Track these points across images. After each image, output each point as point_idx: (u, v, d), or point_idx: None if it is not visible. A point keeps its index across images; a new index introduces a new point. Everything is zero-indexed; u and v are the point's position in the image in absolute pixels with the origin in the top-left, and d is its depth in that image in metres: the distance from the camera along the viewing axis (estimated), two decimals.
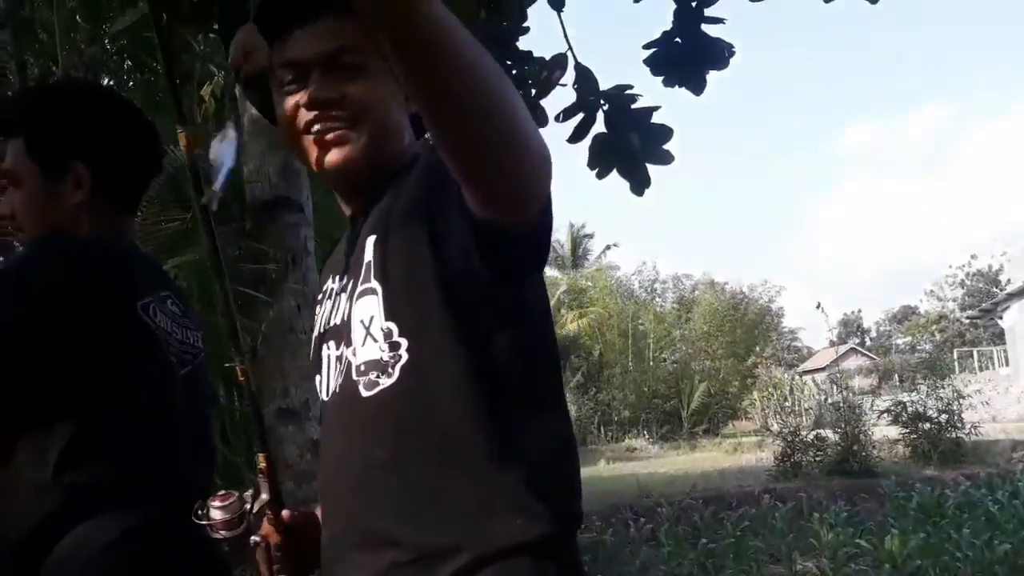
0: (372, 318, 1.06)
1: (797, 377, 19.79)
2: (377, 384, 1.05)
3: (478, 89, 0.80)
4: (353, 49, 1.09)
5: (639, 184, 3.44)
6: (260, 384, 4.11)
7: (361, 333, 1.07)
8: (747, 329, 30.20)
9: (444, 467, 1.02)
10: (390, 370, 1.04)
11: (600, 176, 3.42)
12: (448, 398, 1.02)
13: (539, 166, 0.89)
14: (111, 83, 5.43)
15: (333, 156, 1.10)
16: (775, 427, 14.28)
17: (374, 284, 1.07)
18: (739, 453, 16.65)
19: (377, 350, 1.05)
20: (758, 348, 30.38)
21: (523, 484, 1.01)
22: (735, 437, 20.15)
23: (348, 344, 1.09)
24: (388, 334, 1.05)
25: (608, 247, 32.31)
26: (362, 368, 1.07)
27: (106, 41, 4.80)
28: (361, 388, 1.06)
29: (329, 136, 1.10)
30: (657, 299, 32.27)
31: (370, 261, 1.08)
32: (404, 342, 1.04)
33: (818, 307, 20.64)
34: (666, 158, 3.40)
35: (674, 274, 34.59)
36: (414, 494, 1.02)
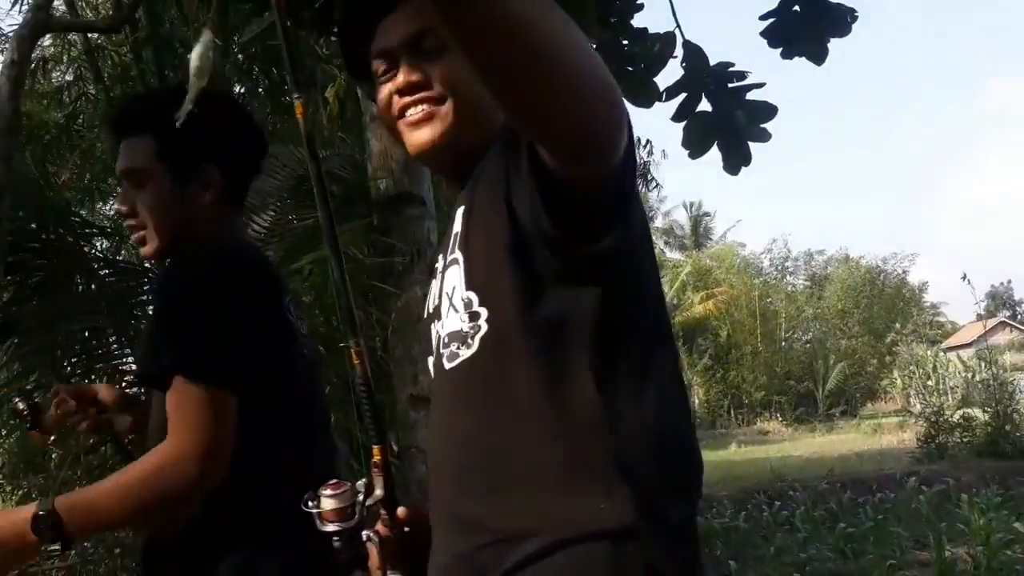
0: (455, 288, 1.05)
1: (941, 354, 18.76)
2: (457, 356, 1.03)
3: (515, 20, 0.74)
4: (431, 31, 1.08)
5: (738, 162, 3.37)
6: (392, 371, 4.28)
7: (447, 305, 1.06)
8: (885, 305, 28.86)
9: (521, 444, 0.98)
10: (469, 341, 1.01)
11: (693, 156, 3.36)
12: (525, 369, 0.97)
13: (601, 105, 0.84)
14: (243, 90, 5.70)
15: (421, 136, 1.09)
16: (917, 407, 13.62)
17: (458, 254, 1.06)
18: (879, 435, 15.97)
19: (458, 321, 1.03)
20: (898, 324, 28.98)
21: (611, 463, 0.94)
22: (874, 418, 19.35)
23: (440, 318, 1.08)
24: (468, 304, 1.02)
25: (733, 225, 31.49)
26: (446, 340, 1.05)
27: (236, 51, 5.05)
28: (445, 361, 1.05)
29: (416, 117, 1.08)
30: (789, 277, 31.28)
31: (458, 232, 1.07)
32: (484, 312, 1.01)
33: (964, 278, 19.41)
34: (764, 135, 3.33)
35: (806, 250, 33.38)
36: (493, 472, 0.99)
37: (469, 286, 1.02)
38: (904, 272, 31.02)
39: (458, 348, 1.03)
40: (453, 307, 1.04)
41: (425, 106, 1.08)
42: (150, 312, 1.43)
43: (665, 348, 1.05)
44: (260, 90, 5.66)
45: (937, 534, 6.65)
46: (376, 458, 1.15)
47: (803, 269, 32.58)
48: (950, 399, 14.05)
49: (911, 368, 16.49)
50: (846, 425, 20.62)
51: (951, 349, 23.17)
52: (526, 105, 0.83)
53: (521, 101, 0.82)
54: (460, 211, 1.08)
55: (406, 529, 1.14)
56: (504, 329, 0.99)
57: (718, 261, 28.97)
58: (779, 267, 31.13)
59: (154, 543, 1.47)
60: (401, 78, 1.09)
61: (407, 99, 1.09)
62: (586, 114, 0.83)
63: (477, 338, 1.01)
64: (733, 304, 26.40)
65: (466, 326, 1.02)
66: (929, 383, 15.17)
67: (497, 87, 0.81)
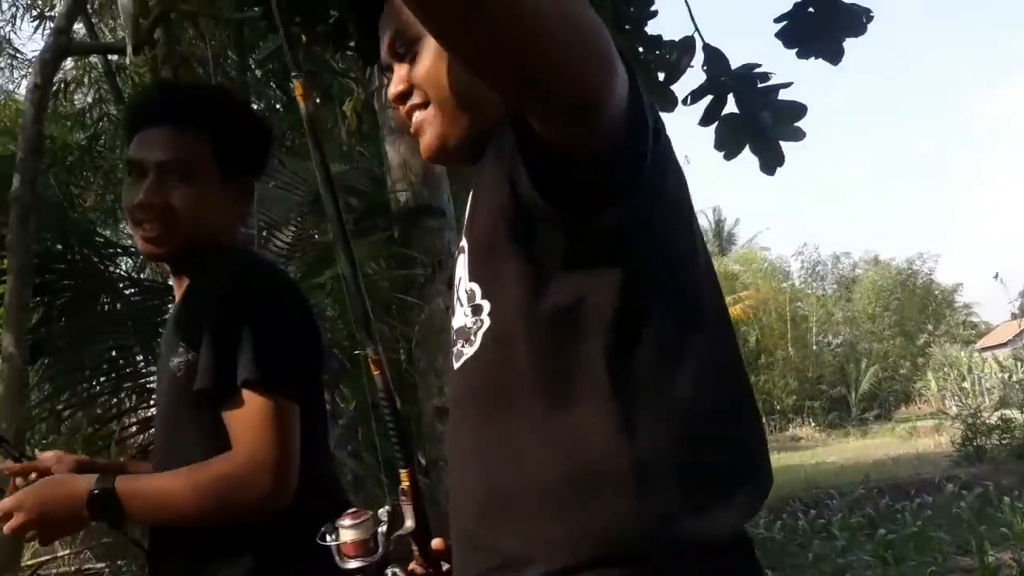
0: (460, 279, 0.95)
1: (976, 354, 18.45)
2: (462, 354, 0.92)
3: None
4: (402, 32, 0.99)
5: (771, 162, 3.34)
6: (417, 383, 4.27)
7: (455, 298, 0.96)
8: (917, 306, 28.48)
9: (520, 456, 0.85)
10: (472, 337, 0.91)
11: (728, 157, 3.33)
12: (528, 369, 0.85)
13: (574, 56, 0.71)
14: (260, 105, 5.75)
15: (423, 145, 1.00)
16: (953, 409, 13.40)
17: (463, 242, 0.96)
18: (914, 438, 15.69)
19: (463, 316, 0.93)
20: (930, 326, 28.58)
21: (624, 476, 0.81)
22: (909, 421, 19.04)
23: (454, 314, 0.98)
24: (471, 296, 0.92)
25: (760, 232, 31.34)
26: (454, 337, 0.95)
27: (253, 67, 5.09)
28: (453, 360, 0.95)
29: (414, 127, 1.01)
30: (819, 281, 30.99)
31: (466, 220, 0.98)
32: (486, 305, 0.90)
33: (996, 277, 19.14)
34: (797, 135, 3.30)
35: (832, 254, 33.06)
36: (494, 491, 0.88)
37: (472, 276, 0.92)
38: (930, 272, 30.64)
39: (463, 346, 0.93)
40: (459, 300, 0.94)
41: (416, 114, 1.00)
42: (190, 325, 1.37)
43: (702, 334, 0.89)
44: (277, 106, 5.70)
45: (979, 539, 6.49)
46: (404, 484, 1.05)
47: (830, 272, 32.29)
48: (987, 400, 13.80)
49: (945, 370, 16.24)
50: (880, 429, 20.31)
51: (986, 349, 22.81)
52: (509, 77, 0.72)
53: (505, 73, 0.72)
54: (470, 197, 0.99)
55: (444, 567, 1.01)
56: (506, 323, 0.88)
57: (744, 265, 28.75)
58: (810, 271, 30.86)
59: (160, 542, 1.43)
60: (390, 90, 1.03)
61: (403, 109, 1.02)
62: (576, 72, 0.72)
63: (479, 334, 0.90)
64: (761, 309, 26.16)
65: (469, 321, 0.92)
66: (964, 384, 14.93)
67: (478, 66, 0.73)
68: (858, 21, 3.31)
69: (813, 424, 22.57)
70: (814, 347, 26.56)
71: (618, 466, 0.82)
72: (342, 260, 1.10)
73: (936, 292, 30.52)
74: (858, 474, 10.73)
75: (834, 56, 3.35)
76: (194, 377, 1.31)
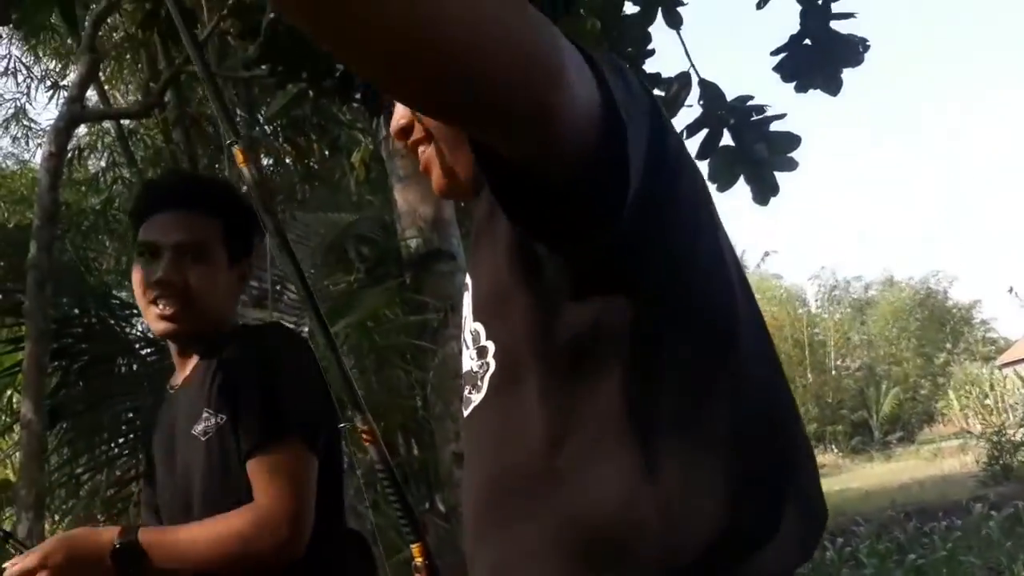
0: (465, 319, 0.89)
1: (996, 371, 18.25)
2: (471, 401, 0.86)
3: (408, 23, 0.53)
4: None
5: (765, 192, 3.37)
6: (434, 429, 4.27)
7: (462, 340, 0.90)
8: (935, 325, 28.27)
9: (527, 518, 0.78)
10: (479, 383, 0.84)
11: (721, 189, 3.38)
12: (537, 421, 0.78)
13: (505, 66, 0.58)
14: (270, 159, 5.84)
15: (434, 181, 0.94)
16: (977, 428, 13.23)
17: (468, 279, 0.90)
18: (939, 460, 15.47)
19: (469, 359, 0.86)
20: (949, 344, 28.33)
21: (648, 535, 0.73)
22: (933, 443, 18.78)
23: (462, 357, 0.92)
24: (476, 337, 0.85)
25: (766, 254, 31.26)
26: (462, 382, 0.88)
27: (263, 123, 5.18)
28: (463, 407, 0.88)
29: (422, 165, 0.95)
30: (835, 305, 30.85)
31: (470, 256, 0.92)
32: (491, 346, 0.83)
33: (1010, 291, 18.95)
34: (790, 165, 3.34)
35: (843, 278, 32.96)
36: (505, 553, 0.81)
37: (477, 316, 0.86)
38: (946, 290, 30.47)
39: (470, 392, 0.86)
40: (465, 342, 0.88)
41: (421, 149, 0.93)
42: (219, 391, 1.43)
43: (736, 353, 0.80)
44: (287, 159, 5.79)
45: (1010, 559, 6.38)
46: (417, 560, 0.99)
47: (843, 296, 32.15)
48: (1011, 417, 13.60)
49: (967, 388, 16.03)
50: (904, 452, 20.05)
51: (1006, 365, 22.54)
52: (448, 103, 0.62)
53: (418, 96, 0.62)
54: (473, 230, 0.94)
55: None
56: (512, 367, 0.81)
57: (758, 293, 28.66)
58: (828, 295, 30.72)
59: None
60: (391, 125, 0.97)
61: (407, 144, 0.95)
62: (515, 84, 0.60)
63: (486, 379, 0.83)
64: (777, 336, 26.05)
65: (475, 364, 0.85)
66: (987, 402, 14.73)
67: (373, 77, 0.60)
68: (855, 51, 3.35)
69: (836, 450, 22.30)
70: (832, 372, 26.36)
71: (642, 520, 0.74)
72: (317, 329, 1.11)
73: (954, 310, 30.33)
74: (884, 499, 10.57)
75: (833, 87, 3.39)
76: (226, 438, 1.39)
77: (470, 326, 0.86)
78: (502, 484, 0.81)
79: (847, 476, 16.48)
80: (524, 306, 0.79)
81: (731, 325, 0.80)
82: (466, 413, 0.87)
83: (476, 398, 0.84)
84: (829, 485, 14.34)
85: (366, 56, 0.56)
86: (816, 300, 30.35)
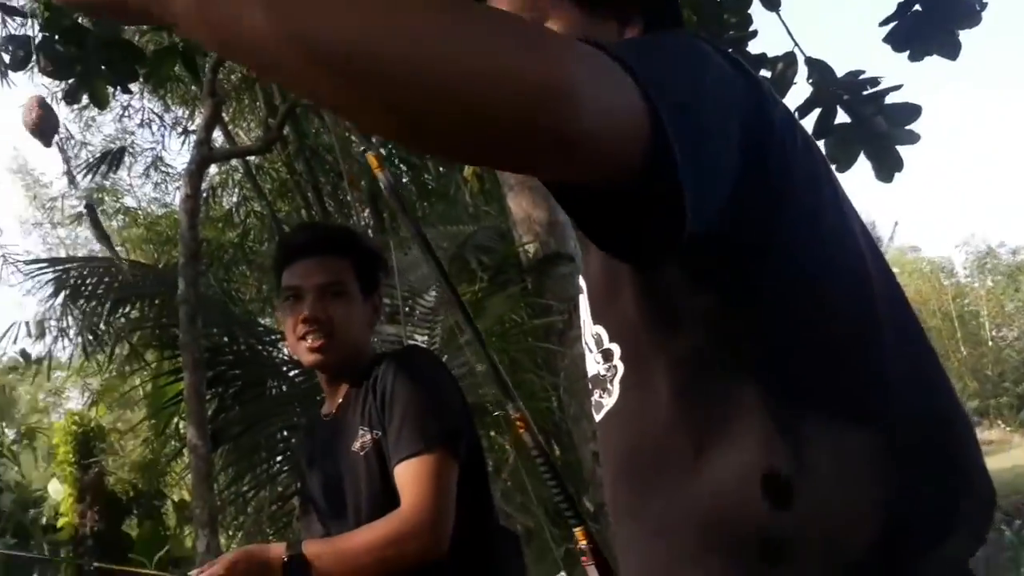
0: (585, 323, 0.88)
1: None
2: (602, 405, 0.84)
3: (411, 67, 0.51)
4: None
5: (890, 168, 3.20)
6: (571, 429, 4.30)
7: (583, 344, 0.89)
8: None
9: (666, 533, 0.77)
10: (609, 386, 0.83)
11: (841, 169, 3.22)
12: (665, 420, 0.77)
13: (503, 95, 0.52)
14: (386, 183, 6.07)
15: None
16: None
17: (582, 282, 0.90)
18: None
19: (594, 362, 0.85)
20: None
21: (800, 544, 0.70)
22: None
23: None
24: (599, 341, 0.84)
25: (896, 224, 29.56)
26: (590, 386, 0.87)
27: (377, 147, 5.37)
28: (594, 411, 0.87)
29: None
30: (986, 274, 28.95)
31: (582, 259, 0.93)
32: (616, 349, 0.82)
33: None
34: (912, 138, 3.15)
35: (987, 245, 30.88)
36: (647, 558, 0.81)
37: (596, 319, 0.85)
38: None
39: (600, 396, 0.85)
40: (587, 346, 0.87)
41: None
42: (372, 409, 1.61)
43: (880, 349, 0.75)
44: (404, 180, 5.97)
45: None
46: (581, 542, 0.97)
47: (992, 264, 30.10)
48: None
49: None
50: None
51: None
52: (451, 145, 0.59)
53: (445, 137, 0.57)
54: None
55: None
56: (641, 368, 0.79)
57: (896, 267, 27.26)
58: (979, 264, 28.85)
59: None
60: None
61: None
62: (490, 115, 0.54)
63: (616, 382, 0.82)
64: (923, 310, 24.67)
65: (602, 368, 0.84)
66: None
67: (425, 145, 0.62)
68: (971, 10, 3.16)
69: (1003, 425, 20.88)
70: (989, 343, 24.71)
71: (795, 515, 0.70)
72: (467, 327, 1.18)
73: None
74: None
75: (951, 51, 3.19)
76: (382, 451, 1.55)
77: (590, 329, 0.85)
78: (643, 479, 0.80)
79: (1018, 452, 15.40)
80: (640, 309, 0.77)
81: (866, 306, 0.76)
82: (598, 417, 0.86)
83: (608, 402, 0.83)
84: (999, 462, 13.43)
85: (359, 113, 0.56)
86: (964, 269, 28.56)
